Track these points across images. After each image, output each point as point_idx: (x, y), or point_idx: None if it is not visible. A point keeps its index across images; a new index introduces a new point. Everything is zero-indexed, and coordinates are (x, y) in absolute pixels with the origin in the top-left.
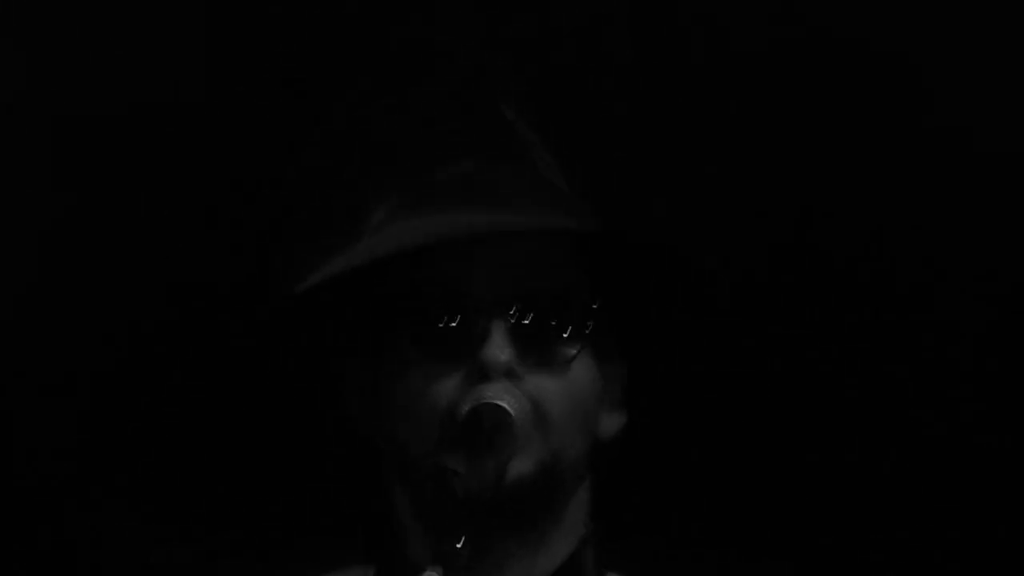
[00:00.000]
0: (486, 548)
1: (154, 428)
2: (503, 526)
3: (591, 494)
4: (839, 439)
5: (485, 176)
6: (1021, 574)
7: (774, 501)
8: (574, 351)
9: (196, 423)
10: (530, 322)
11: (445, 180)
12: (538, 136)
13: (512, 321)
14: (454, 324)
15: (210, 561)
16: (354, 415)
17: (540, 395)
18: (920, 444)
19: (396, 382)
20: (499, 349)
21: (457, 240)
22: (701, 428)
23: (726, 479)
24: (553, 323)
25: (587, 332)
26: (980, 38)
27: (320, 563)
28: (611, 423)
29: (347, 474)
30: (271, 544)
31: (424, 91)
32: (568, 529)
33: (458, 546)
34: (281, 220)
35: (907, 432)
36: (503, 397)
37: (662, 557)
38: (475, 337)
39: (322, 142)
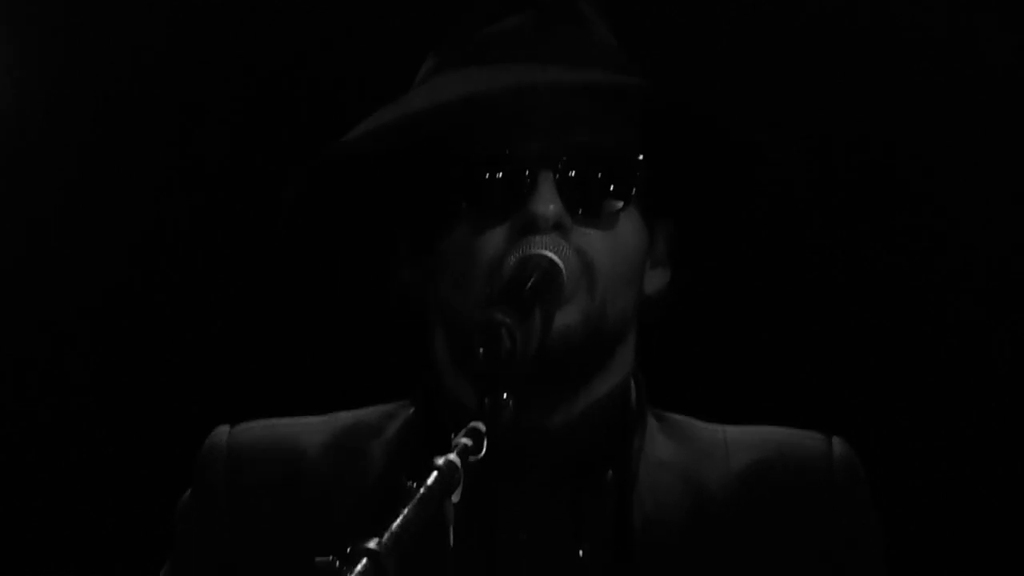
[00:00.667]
0: (530, 400)
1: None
2: (548, 378)
3: (636, 342)
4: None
5: (536, 32)
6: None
7: (810, 349)
8: (620, 205)
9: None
10: (577, 175)
11: (493, 35)
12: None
13: (559, 175)
14: (500, 176)
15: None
16: (404, 271)
17: (586, 247)
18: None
19: (444, 236)
20: (546, 201)
21: (501, 94)
22: (744, 284)
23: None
24: (599, 177)
25: (633, 187)
26: None
27: (361, 402)
28: (656, 279)
29: (394, 326)
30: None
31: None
32: (612, 374)
33: (502, 398)
34: None
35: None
36: (550, 248)
37: (704, 396)
38: (522, 190)
39: None
